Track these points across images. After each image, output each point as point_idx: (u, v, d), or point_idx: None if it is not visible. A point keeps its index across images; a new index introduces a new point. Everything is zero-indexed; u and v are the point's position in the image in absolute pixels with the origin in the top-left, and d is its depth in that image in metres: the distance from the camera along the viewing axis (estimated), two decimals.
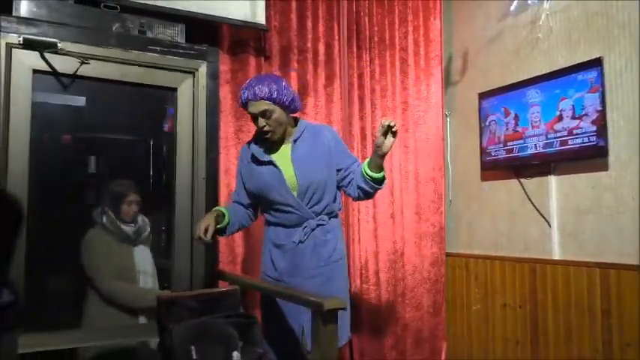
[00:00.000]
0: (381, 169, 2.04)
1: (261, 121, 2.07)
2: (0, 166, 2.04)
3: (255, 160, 2.16)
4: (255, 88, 2.04)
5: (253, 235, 2.75)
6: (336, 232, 2.17)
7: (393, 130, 1.94)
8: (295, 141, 2.14)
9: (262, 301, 2.29)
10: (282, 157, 2.14)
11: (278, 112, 2.07)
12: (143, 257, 2.51)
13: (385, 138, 1.95)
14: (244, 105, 2.10)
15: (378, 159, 2.00)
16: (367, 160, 2.07)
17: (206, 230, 2.01)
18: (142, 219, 2.52)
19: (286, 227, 2.15)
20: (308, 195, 2.11)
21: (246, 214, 2.26)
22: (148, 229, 2.53)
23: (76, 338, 2.23)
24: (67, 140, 2.55)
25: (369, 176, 2.04)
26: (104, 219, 2.43)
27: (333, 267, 2.13)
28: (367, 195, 2.14)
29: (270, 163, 2.13)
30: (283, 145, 2.16)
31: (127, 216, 2.46)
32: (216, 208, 2.20)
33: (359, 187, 2.10)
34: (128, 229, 2.46)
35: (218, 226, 2.09)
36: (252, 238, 2.75)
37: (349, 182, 2.15)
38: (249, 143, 2.24)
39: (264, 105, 2.04)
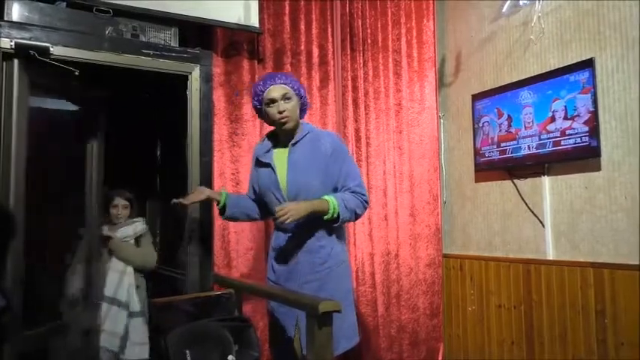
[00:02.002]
0: (325, 213, 2.02)
1: (282, 105, 2.10)
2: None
3: (258, 161, 2.21)
4: (277, 76, 2.15)
5: (248, 238, 2.75)
6: (331, 238, 2.15)
7: (283, 221, 1.93)
8: (294, 144, 2.14)
9: (268, 311, 2.32)
10: (281, 160, 2.15)
11: (295, 101, 2.13)
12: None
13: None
14: (261, 94, 2.13)
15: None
16: None
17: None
18: (131, 221, 2.72)
19: (284, 231, 2.17)
20: (299, 201, 2.09)
21: (254, 206, 2.29)
22: (134, 230, 2.70)
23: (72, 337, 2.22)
24: (64, 145, 2.56)
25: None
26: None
27: (328, 273, 2.11)
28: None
29: (269, 165, 2.15)
30: (284, 148, 2.17)
31: (115, 218, 2.70)
32: (222, 190, 2.30)
33: None
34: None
35: (219, 205, 2.24)
36: (247, 242, 2.75)
37: None
38: (259, 143, 2.30)
39: (286, 89, 2.12)
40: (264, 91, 2.12)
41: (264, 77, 2.20)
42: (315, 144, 2.12)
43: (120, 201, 2.71)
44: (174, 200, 2.16)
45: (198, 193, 2.22)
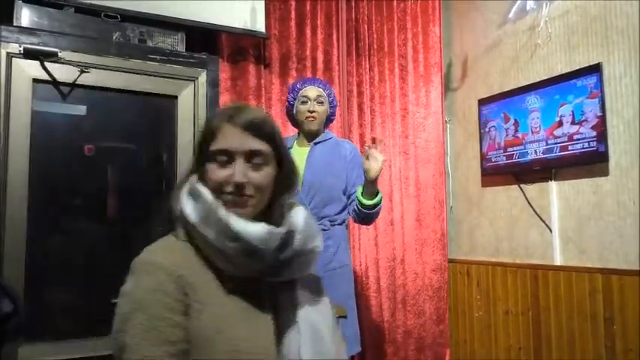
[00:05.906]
0: (373, 195, 2.05)
1: (314, 106, 2.27)
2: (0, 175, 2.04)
3: None
4: (317, 80, 2.38)
5: None
6: (337, 239, 2.18)
7: (375, 154, 1.99)
8: (316, 144, 2.27)
9: None
10: (300, 156, 2.24)
11: (326, 106, 2.31)
12: None
13: (370, 162, 1.99)
14: (298, 90, 2.29)
15: (369, 185, 2.04)
16: (361, 185, 2.11)
17: None
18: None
19: None
20: (310, 195, 2.17)
21: None
22: None
23: (77, 349, 2.21)
24: (68, 149, 2.54)
25: (359, 201, 2.08)
26: None
27: (330, 275, 2.12)
28: (362, 220, 2.18)
29: None
30: (304, 147, 2.28)
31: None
32: None
33: (354, 211, 2.16)
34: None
35: None
36: None
37: (350, 204, 2.23)
38: None
39: (321, 93, 2.30)
40: (301, 89, 2.29)
41: (305, 78, 2.44)
42: (336, 148, 2.27)
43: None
44: None
45: None
